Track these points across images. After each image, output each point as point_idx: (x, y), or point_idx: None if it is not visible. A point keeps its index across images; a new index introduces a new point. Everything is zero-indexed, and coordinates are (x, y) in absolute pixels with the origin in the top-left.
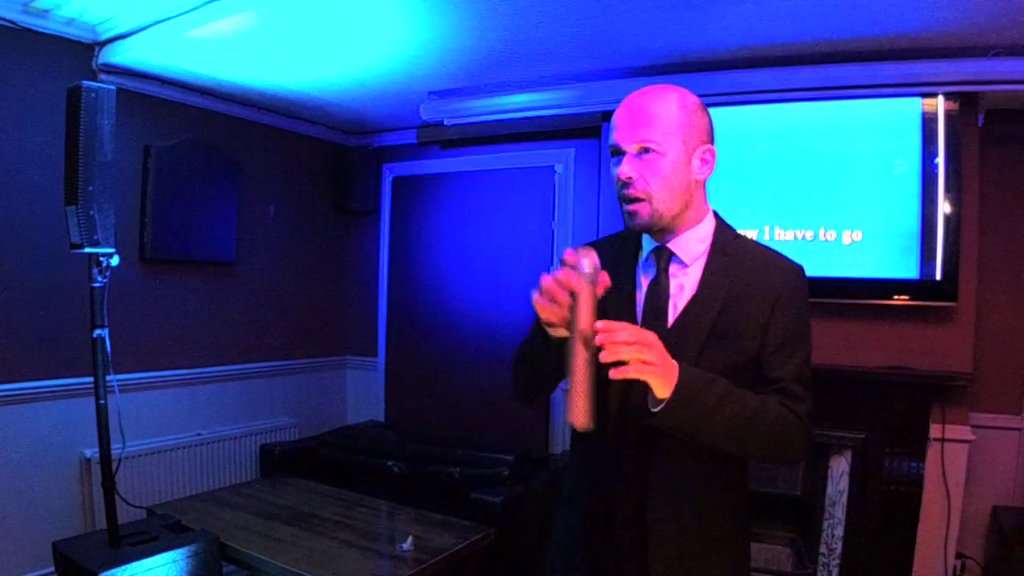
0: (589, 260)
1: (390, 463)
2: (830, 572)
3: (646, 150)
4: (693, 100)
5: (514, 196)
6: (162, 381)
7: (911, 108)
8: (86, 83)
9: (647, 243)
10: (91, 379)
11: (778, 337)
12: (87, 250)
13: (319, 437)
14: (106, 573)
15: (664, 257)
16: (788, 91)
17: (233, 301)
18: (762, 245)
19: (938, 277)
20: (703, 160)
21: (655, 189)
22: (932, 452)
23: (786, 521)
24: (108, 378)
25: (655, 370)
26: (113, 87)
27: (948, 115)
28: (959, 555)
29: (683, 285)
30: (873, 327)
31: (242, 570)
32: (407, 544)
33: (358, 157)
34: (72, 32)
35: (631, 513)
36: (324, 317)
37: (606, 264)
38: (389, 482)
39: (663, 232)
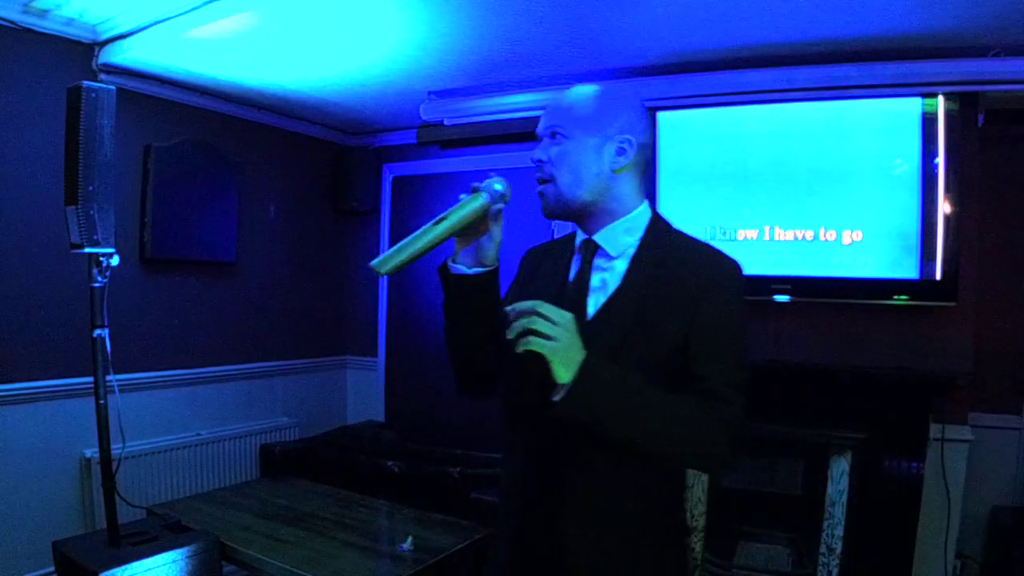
0: (502, 183)
1: (390, 463)
2: (830, 572)
3: (554, 135)
4: (620, 94)
5: (514, 196)
6: (162, 381)
7: (911, 108)
8: (86, 83)
9: (579, 237)
10: (91, 379)
11: (704, 334)
12: (87, 250)
13: (319, 437)
14: (106, 573)
15: (590, 249)
16: (788, 91)
17: (233, 301)
18: (697, 240)
19: (938, 277)
20: (619, 150)
21: (559, 173)
22: (932, 452)
23: (786, 521)
24: (108, 378)
25: (556, 347)
26: (113, 87)
27: (948, 115)
28: (959, 555)
29: (606, 279)
30: (873, 327)
31: (242, 570)
32: (407, 544)
33: (358, 157)
34: (72, 32)
35: (548, 514)
36: (324, 317)
37: (548, 260)
38: (389, 482)
39: (582, 221)
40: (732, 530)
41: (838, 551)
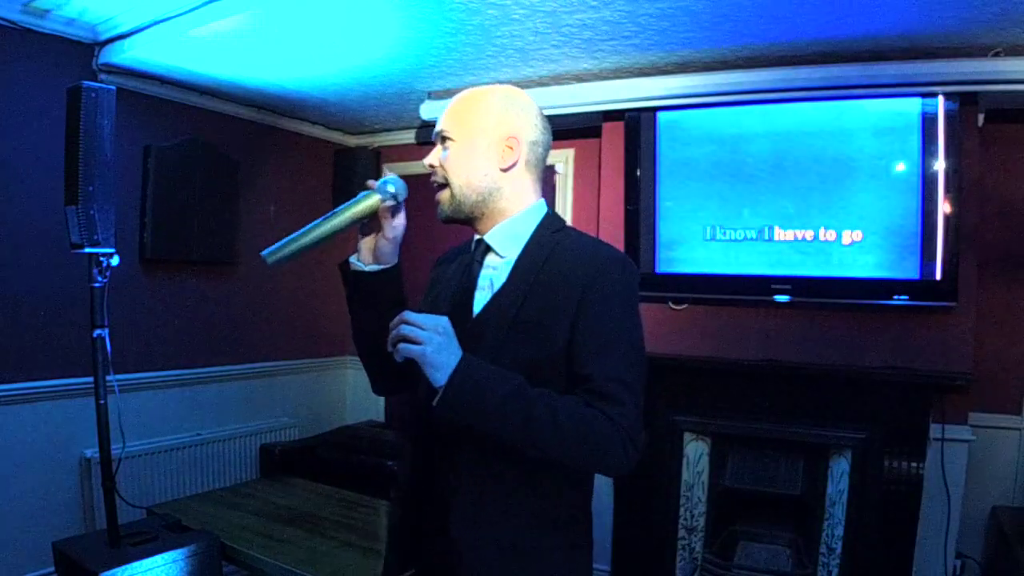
0: (396, 183)
1: (390, 463)
2: (830, 572)
3: (444, 139)
4: (506, 94)
5: None
6: (162, 381)
7: (911, 108)
8: (86, 83)
9: (475, 239)
10: (91, 379)
11: (588, 331)
12: (87, 250)
13: (319, 437)
14: (106, 573)
15: (480, 249)
16: (788, 91)
17: (233, 301)
18: (588, 237)
19: (938, 277)
20: (507, 147)
21: (451, 176)
22: (932, 452)
23: (786, 521)
24: (108, 378)
25: (425, 350)
26: (113, 87)
27: (948, 115)
28: (959, 555)
29: (493, 279)
30: (873, 327)
31: (242, 570)
32: None
33: (358, 157)
34: (72, 32)
35: (437, 517)
36: (324, 317)
37: (453, 264)
38: (389, 482)
39: (475, 222)
40: (732, 530)
41: (838, 551)
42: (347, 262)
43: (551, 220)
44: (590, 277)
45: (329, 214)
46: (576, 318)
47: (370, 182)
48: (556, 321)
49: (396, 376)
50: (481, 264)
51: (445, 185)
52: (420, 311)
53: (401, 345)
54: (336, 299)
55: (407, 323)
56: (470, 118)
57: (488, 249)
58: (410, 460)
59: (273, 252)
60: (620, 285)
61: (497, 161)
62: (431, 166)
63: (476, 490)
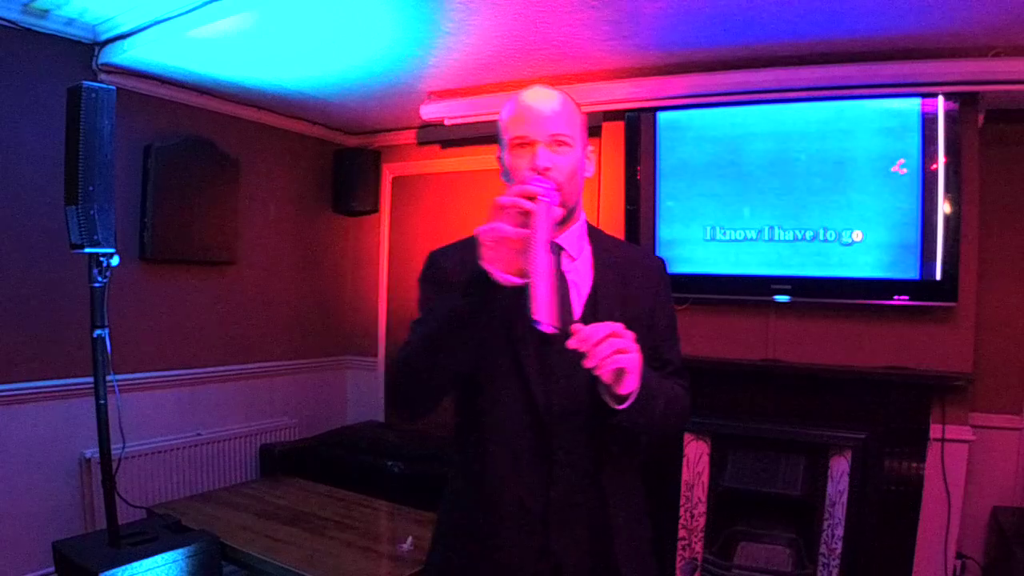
0: (544, 185)
1: (390, 463)
2: (830, 572)
3: (560, 143)
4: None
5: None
6: (162, 381)
7: (911, 108)
8: (86, 83)
9: None
10: (91, 379)
11: (663, 324)
12: (87, 250)
13: (319, 437)
14: (106, 573)
15: (556, 252)
16: (788, 91)
17: (233, 301)
18: (613, 236)
19: (938, 277)
20: (588, 158)
21: (565, 181)
22: (932, 452)
23: (786, 521)
24: (108, 378)
25: (635, 358)
26: (113, 87)
27: (948, 115)
28: (959, 555)
29: (576, 280)
30: (873, 327)
31: (242, 570)
32: (407, 544)
33: (358, 157)
34: (72, 32)
35: (567, 522)
36: (324, 317)
37: (475, 262)
38: (389, 482)
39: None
40: (732, 530)
41: (838, 551)
42: (485, 272)
43: (592, 226)
44: (659, 279)
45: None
46: (653, 311)
47: (530, 188)
48: (640, 317)
49: (442, 397)
50: (560, 267)
51: (555, 190)
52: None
53: (617, 356)
54: (336, 299)
55: (615, 336)
56: (577, 124)
57: (560, 250)
58: (524, 469)
59: (551, 313)
60: (670, 285)
61: (589, 168)
62: (545, 168)
63: (613, 491)
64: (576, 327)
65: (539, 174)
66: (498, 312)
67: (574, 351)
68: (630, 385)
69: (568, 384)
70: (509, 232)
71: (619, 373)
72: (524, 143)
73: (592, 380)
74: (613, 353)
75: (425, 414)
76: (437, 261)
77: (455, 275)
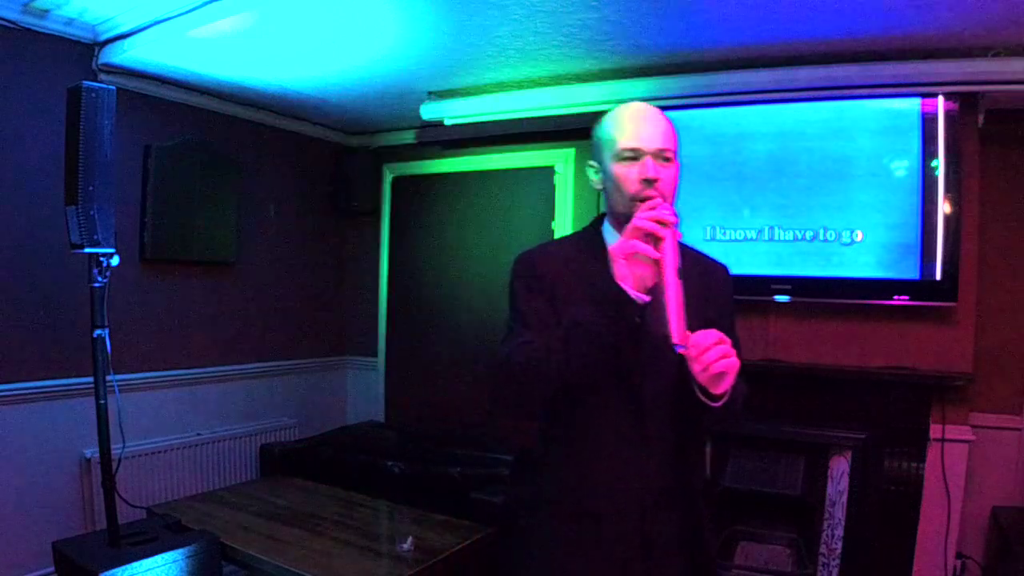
0: (671, 210)
1: (390, 463)
2: (830, 572)
3: (666, 157)
4: None
5: (514, 196)
6: (162, 381)
7: (911, 108)
8: (86, 83)
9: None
10: (91, 379)
11: (728, 325)
12: (87, 250)
13: (319, 437)
14: (106, 573)
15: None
16: (788, 91)
17: (233, 301)
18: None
19: (938, 277)
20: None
21: (669, 194)
22: (932, 452)
23: (786, 521)
24: (108, 378)
25: (735, 363)
26: (113, 87)
27: (948, 115)
28: (959, 555)
29: None
30: (873, 327)
31: (242, 570)
32: (407, 544)
33: (358, 157)
34: (72, 32)
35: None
36: (324, 317)
37: (576, 266)
38: (389, 482)
39: None
40: (732, 530)
41: (838, 551)
42: (622, 289)
43: None
44: (726, 282)
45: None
46: (723, 314)
47: (662, 214)
48: (718, 317)
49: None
50: None
51: (669, 205)
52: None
53: (723, 362)
54: (336, 299)
55: (720, 343)
56: (675, 139)
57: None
58: (614, 454)
59: (683, 333)
60: None
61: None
62: (654, 179)
63: (696, 481)
64: (691, 338)
65: (649, 182)
66: (627, 325)
67: (671, 348)
68: (725, 387)
69: (662, 376)
70: (648, 252)
71: (720, 377)
72: (634, 155)
73: (681, 374)
74: (719, 359)
75: (532, 414)
76: (535, 264)
77: (557, 278)
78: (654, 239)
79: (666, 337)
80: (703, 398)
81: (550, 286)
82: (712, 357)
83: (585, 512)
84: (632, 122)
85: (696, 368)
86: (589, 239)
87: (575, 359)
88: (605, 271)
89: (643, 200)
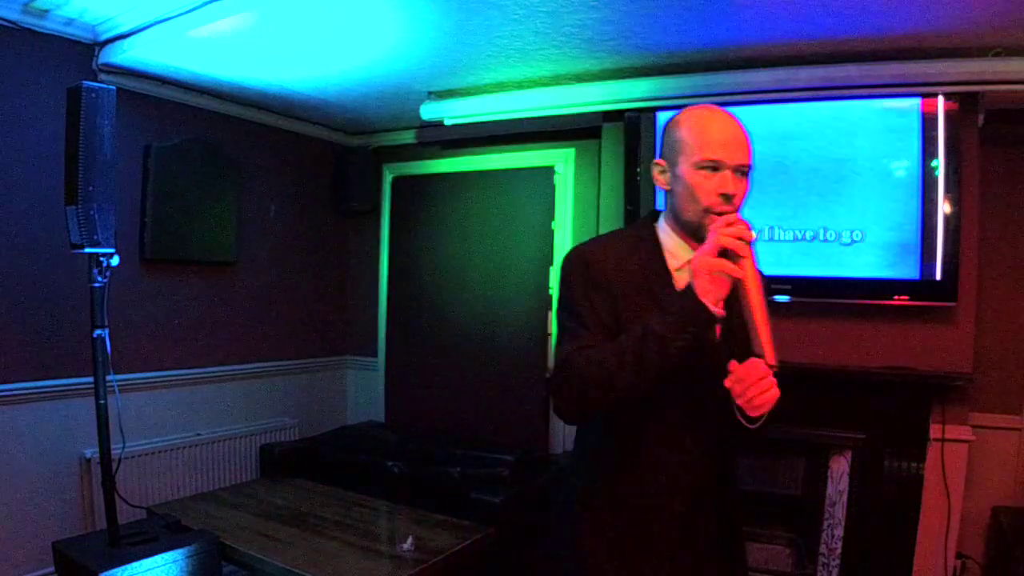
0: (748, 225)
1: (390, 463)
2: (830, 572)
3: (744, 172)
4: None
5: (514, 196)
6: (162, 381)
7: (911, 108)
8: (86, 83)
9: (679, 251)
10: (91, 379)
11: (740, 326)
12: (87, 250)
13: (319, 437)
14: (106, 573)
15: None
16: (788, 91)
17: (233, 301)
18: None
19: (938, 277)
20: None
21: (739, 208)
22: (932, 452)
23: (786, 521)
24: (108, 378)
25: (776, 396)
26: (113, 87)
27: (948, 115)
28: (959, 555)
29: None
30: (873, 327)
31: (242, 570)
32: (407, 544)
33: (358, 157)
34: (72, 32)
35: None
36: (324, 317)
37: (633, 268)
38: (389, 482)
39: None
40: None
41: (838, 551)
42: (704, 305)
43: None
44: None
45: (745, 289)
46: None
47: (745, 231)
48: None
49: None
50: None
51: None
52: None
53: (767, 395)
54: (336, 299)
55: (766, 376)
56: (752, 153)
57: None
58: (666, 452)
59: (772, 351)
60: None
61: None
62: (733, 194)
63: (733, 479)
64: (732, 366)
65: (728, 197)
66: (699, 339)
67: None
68: (762, 412)
69: (715, 387)
70: (734, 271)
71: (760, 407)
72: (714, 167)
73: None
74: (762, 394)
75: (594, 418)
76: (593, 261)
77: (613, 278)
78: (733, 255)
79: (744, 351)
80: (741, 419)
81: (607, 285)
82: (755, 392)
83: (637, 506)
84: (718, 132)
85: (740, 400)
86: (644, 240)
87: (650, 370)
88: (669, 280)
89: (718, 213)
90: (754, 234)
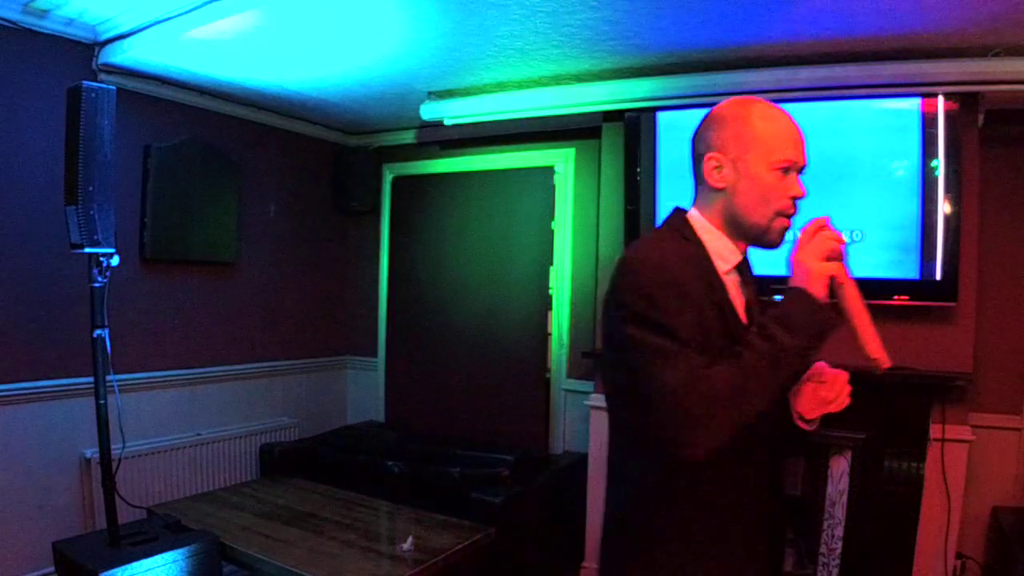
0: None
1: (390, 463)
2: (830, 572)
3: (802, 173)
4: None
5: (514, 196)
6: (162, 381)
7: (911, 108)
8: (86, 83)
9: (728, 254)
10: (91, 379)
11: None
12: (87, 250)
13: (319, 437)
14: (106, 573)
15: (745, 269)
16: (788, 91)
17: (233, 301)
18: None
19: (938, 277)
20: None
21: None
22: (932, 452)
23: (786, 521)
24: (108, 378)
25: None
26: (113, 87)
27: (948, 115)
28: (959, 555)
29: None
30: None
31: (242, 570)
32: (407, 544)
33: (358, 157)
34: (72, 32)
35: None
36: (324, 317)
37: (699, 276)
38: (389, 482)
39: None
40: None
41: (838, 551)
42: (834, 316)
43: None
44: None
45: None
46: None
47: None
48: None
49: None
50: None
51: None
52: (707, 322)
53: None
54: (336, 299)
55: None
56: None
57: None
58: (752, 483)
59: (883, 352)
60: None
61: None
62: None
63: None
64: (820, 367)
65: (798, 199)
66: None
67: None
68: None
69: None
70: (846, 275)
71: (828, 408)
72: (791, 168)
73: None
74: (846, 396)
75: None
76: (669, 268)
77: (696, 288)
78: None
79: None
80: (800, 423)
81: (688, 294)
82: (845, 395)
83: (714, 548)
84: (792, 131)
85: (832, 406)
86: (690, 243)
87: (777, 388)
88: (723, 286)
89: (787, 216)
90: (844, 238)
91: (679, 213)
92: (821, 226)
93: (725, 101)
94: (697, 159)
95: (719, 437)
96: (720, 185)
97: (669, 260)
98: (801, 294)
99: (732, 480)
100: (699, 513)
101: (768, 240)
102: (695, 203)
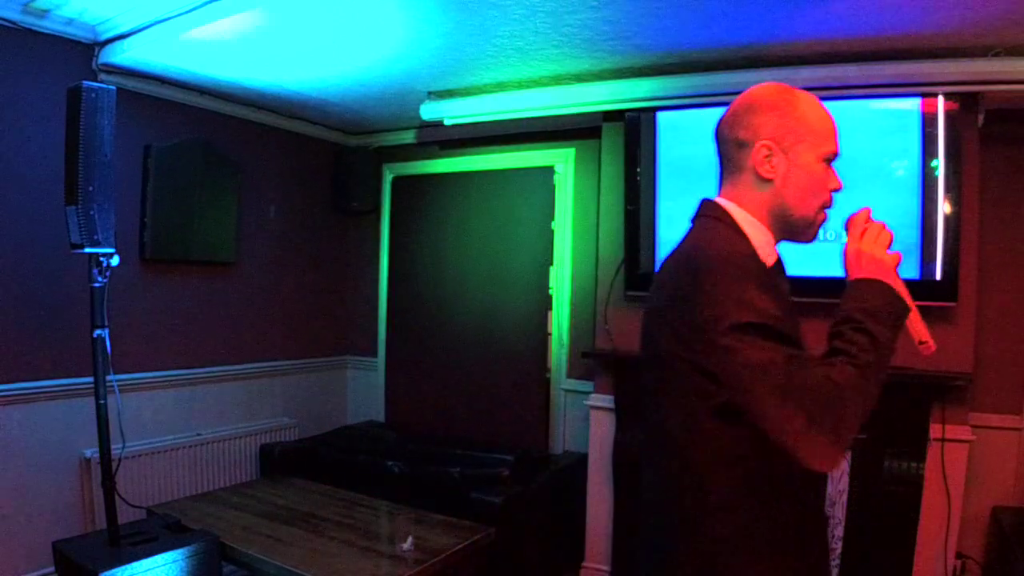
0: None
1: (390, 463)
2: (830, 572)
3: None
4: None
5: (514, 196)
6: (162, 381)
7: (911, 108)
8: (86, 83)
9: (769, 246)
10: (91, 379)
11: None
12: (87, 250)
13: (319, 437)
14: (106, 573)
15: (780, 266)
16: None
17: (233, 301)
18: None
19: (938, 277)
20: None
21: None
22: (932, 452)
23: None
24: (108, 378)
25: None
26: (113, 87)
27: (948, 115)
28: (959, 555)
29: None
30: None
31: (242, 570)
32: (407, 544)
33: (358, 157)
34: (72, 32)
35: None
36: (324, 317)
37: (762, 275)
38: (389, 482)
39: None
40: None
41: (838, 551)
42: (907, 305)
43: None
44: None
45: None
46: None
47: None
48: None
49: None
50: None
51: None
52: (783, 325)
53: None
54: (336, 299)
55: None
56: None
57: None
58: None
59: (931, 340)
60: None
61: None
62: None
63: None
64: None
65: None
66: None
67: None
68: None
69: None
70: (897, 263)
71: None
72: (833, 159)
73: None
74: (879, 237)
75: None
76: (755, 267)
77: (767, 278)
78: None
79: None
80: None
81: (771, 288)
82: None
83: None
84: (833, 121)
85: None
86: (738, 235)
87: (881, 382)
88: (775, 279)
89: (827, 209)
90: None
91: (715, 205)
92: (867, 217)
93: (759, 86)
94: (737, 147)
95: (850, 440)
96: (770, 175)
97: (744, 252)
98: (882, 286)
99: (817, 485)
100: (796, 520)
101: (809, 235)
102: (728, 194)
